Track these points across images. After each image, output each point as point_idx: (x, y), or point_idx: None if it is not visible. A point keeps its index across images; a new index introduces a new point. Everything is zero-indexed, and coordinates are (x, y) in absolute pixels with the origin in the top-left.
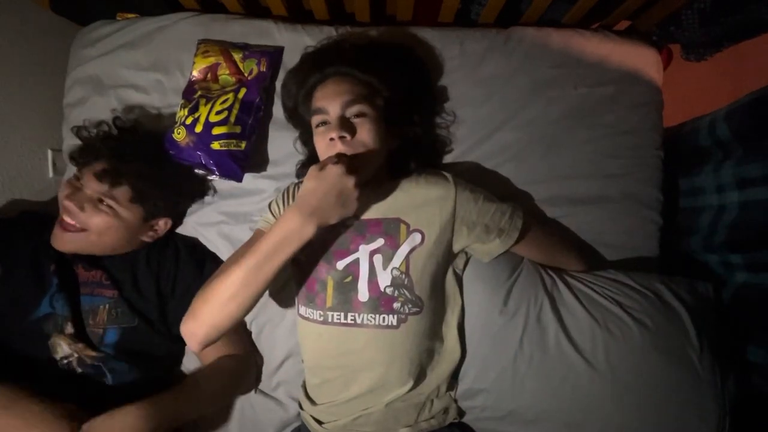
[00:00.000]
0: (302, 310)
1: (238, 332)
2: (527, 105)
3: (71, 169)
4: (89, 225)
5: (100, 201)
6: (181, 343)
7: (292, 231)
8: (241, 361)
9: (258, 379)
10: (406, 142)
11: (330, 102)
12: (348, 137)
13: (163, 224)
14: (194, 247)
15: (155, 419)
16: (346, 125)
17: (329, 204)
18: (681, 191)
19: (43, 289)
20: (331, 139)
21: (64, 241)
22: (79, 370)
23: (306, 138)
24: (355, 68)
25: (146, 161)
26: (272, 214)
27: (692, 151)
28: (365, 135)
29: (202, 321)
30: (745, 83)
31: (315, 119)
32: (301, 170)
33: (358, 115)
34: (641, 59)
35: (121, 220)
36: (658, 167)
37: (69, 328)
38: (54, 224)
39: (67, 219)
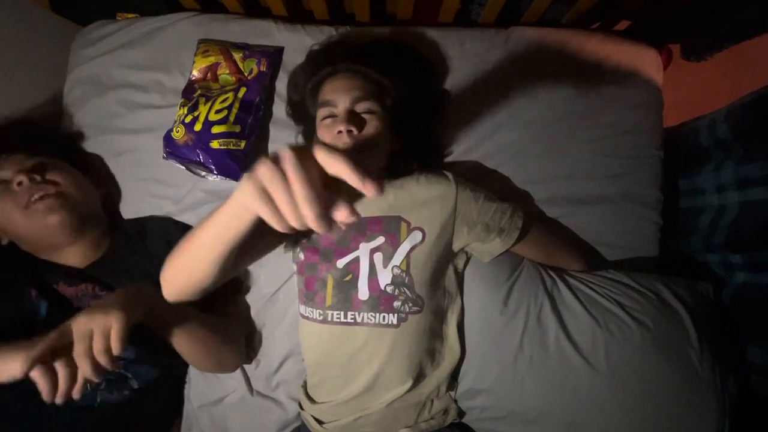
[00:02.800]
0: (302, 309)
1: (235, 311)
2: (527, 105)
3: None
4: (57, 180)
5: (39, 167)
6: None
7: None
8: (229, 319)
9: (249, 357)
10: (409, 142)
11: (340, 96)
12: (355, 131)
13: (99, 176)
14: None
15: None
16: (354, 119)
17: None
18: (681, 191)
19: (31, 318)
20: (339, 132)
21: (55, 210)
22: (100, 382)
23: (308, 132)
24: (366, 66)
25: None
26: None
27: (692, 151)
28: (372, 132)
29: (171, 284)
30: (745, 83)
31: (321, 112)
32: None
33: (367, 111)
34: (641, 59)
35: (71, 170)
36: (658, 167)
37: None
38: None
39: (37, 194)
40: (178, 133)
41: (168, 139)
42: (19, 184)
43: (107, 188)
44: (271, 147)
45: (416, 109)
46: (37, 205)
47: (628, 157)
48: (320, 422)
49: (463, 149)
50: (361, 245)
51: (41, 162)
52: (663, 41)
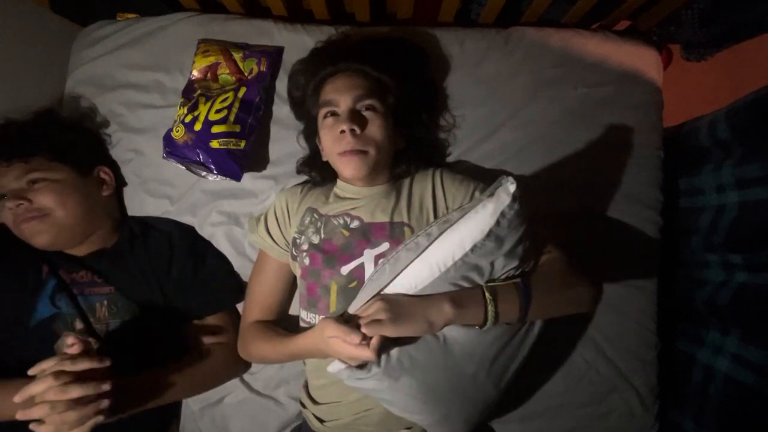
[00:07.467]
0: (303, 314)
1: (234, 322)
2: (527, 105)
3: None
4: (44, 205)
5: (32, 183)
6: (182, 321)
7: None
8: (229, 351)
9: (247, 366)
10: (411, 143)
11: (341, 95)
12: (358, 130)
13: (105, 173)
14: (186, 232)
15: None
16: (357, 118)
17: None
18: (681, 191)
19: (35, 292)
20: (342, 132)
21: (40, 233)
22: None
23: (308, 133)
24: (367, 65)
25: (31, 126)
26: (268, 230)
27: (692, 151)
28: (375, 130)
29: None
30: (745, 83)
31: (323, 111)
32: (302, 167)
33: (369, 108)
34: (641, 59)
35: (63, 185)
36: (658, 167)
37: (78, 325)
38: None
39: (22, 218)
40: (178, 133)
41: (168, 139)
42: (10, 208)
43: (115, 186)
44: (272, 147)
45: (417, 105)
46: (23, 226)
47: (628, 157)
48: (321, 421)
49: (463, 149)
50: (366, 252)
51: (34, 179)
52: (663, 41)
